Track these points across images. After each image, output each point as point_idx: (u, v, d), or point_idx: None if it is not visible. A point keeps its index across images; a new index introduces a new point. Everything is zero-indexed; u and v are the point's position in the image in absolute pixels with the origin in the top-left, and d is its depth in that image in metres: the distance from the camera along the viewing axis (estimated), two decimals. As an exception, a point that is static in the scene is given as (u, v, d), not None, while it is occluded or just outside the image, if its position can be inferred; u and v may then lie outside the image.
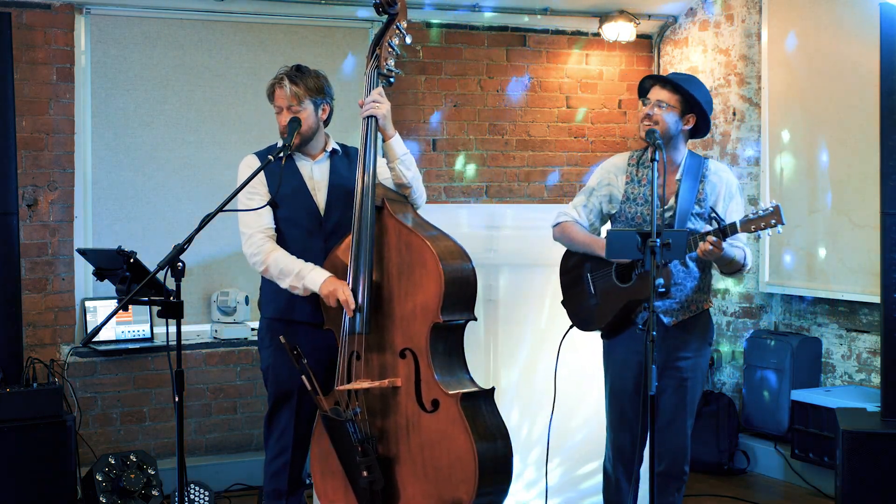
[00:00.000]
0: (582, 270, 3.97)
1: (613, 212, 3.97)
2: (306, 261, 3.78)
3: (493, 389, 3.68)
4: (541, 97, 6.46)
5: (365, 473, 3.60)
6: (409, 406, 3.60)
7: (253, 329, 5.50)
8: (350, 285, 3.64)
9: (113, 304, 5.21)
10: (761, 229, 3.55)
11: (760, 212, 3.55)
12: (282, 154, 3.67)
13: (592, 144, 6.61)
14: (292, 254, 3.79)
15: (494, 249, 4.68)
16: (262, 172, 3.70)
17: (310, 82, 3.84)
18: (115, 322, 5.30)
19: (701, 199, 3.85)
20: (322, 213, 3.86)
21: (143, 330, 5.44)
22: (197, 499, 5.04)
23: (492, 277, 4.65)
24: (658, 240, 3.41)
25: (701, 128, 3.91)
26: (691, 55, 6.41)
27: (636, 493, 3.99)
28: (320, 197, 3.87)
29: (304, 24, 5.84)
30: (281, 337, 3.64)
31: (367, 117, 3.72)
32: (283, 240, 3.83)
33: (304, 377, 3.62)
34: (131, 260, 3.44)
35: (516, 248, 4.67)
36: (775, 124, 5.77)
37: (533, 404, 4.60)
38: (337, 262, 3.75)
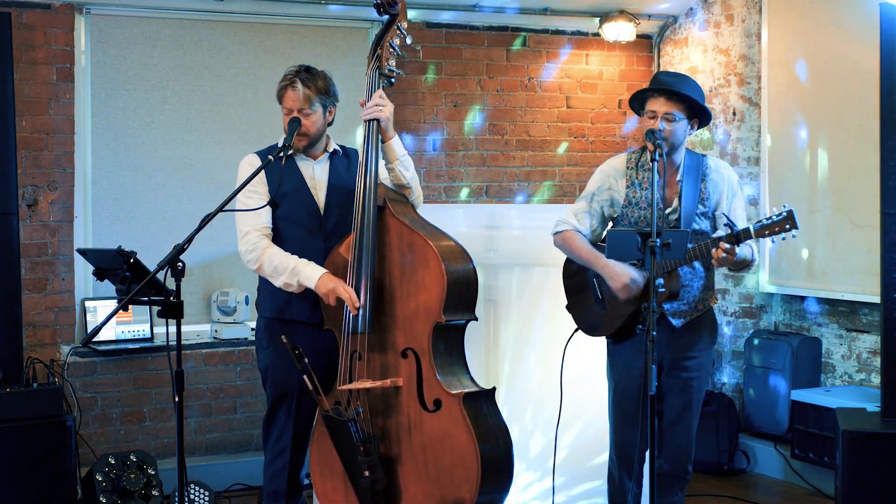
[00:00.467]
0: (587, 276, 3.96)
1: (615, 215, 3.95)
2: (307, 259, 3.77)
3: (494, 389, 3.68)
4: (541, 97, 6.46)
5: (367, 473, 3.59)
6: (411, 406, 3.60)
7: (253, 329, 5.51)
8: (352, 285, 3.64)
9: (113, 304, 5.21)
10: (776, 234, 3.53)
11: (774, 217, 3.53)
12: (282, 154, 3.66)
13: (592, 144, 6.61)
14: (292, 252, 3.78)
15: (494, 249, 4.68)
16: (262, 172, 3.70)
17: (319, 84, 3.83)
18: (115, 322, 5.30)
19: (704, 198, 3.84)
20: (322, 212, 3.86)
21: (143, 330, 5.44)
22: (197, 499, 5.04)
23: (492, 277, 4.65)
24: (658, 240, 3.41)
25: (703, 124, 3.90)
26: (691, 55, 6.41)
27: (640, 493, 3.99)
28: (321, 197, 3.87)
29: (304, 24, 5.84)
30: (283, 336, 3.64)
31: (370, 120, 3.72)
32: (282, 239, 3.83)
33: (305, 377, 3.62)
34: (131, 260, 3.44)
35: (516, 248, 4.67)
36: (775, 124, 5.77)
37: (533, 404, 4.60)
38: (338, 259, 3.75)
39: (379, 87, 3.76)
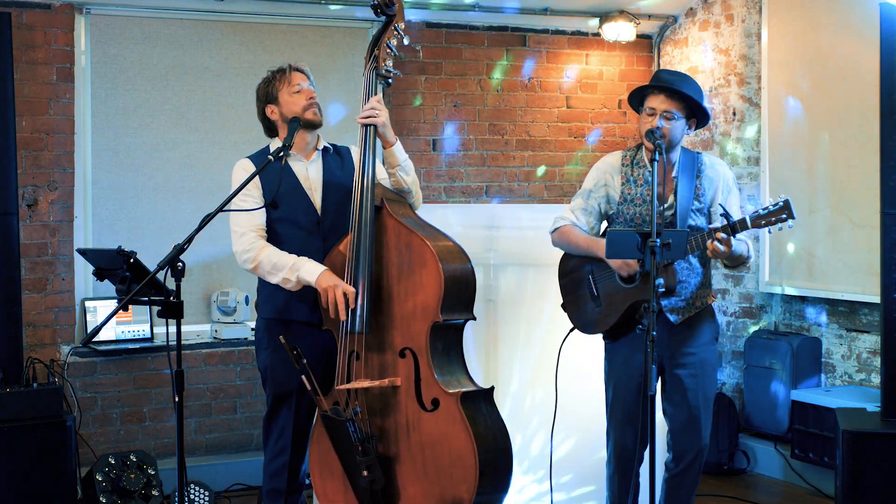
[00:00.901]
0: (582, 273, 3.96)
1: (611, 212, 3.95)
2: (304, 260, 3.78)
3: (492, 388, 3.68)
4: (541, 97, 6.46)
5: (365, 473, 3.60)
6: (409, 405, 3.60)
7: (253, 329, 5.50)
8: (350, 285, 3.64)
9: (113, 304, 5.21)
10: (772, 224, 3.52)
11: (770, 207, 3.53)
12: (282, 154, 3.66)
13: (592, 145, 6.61)
14: (290, 253, 3.79)
15: (494, 249, 4.68)
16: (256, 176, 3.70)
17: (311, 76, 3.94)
18: (115, 322, 5.30)
19: (699, 194, 3.84)
20: (319, 212, 3.86)
21: (143, 330, 5.44)
22: (197, 499, 5.04)
23: (492, 277, 4.65)
24: (658, 240, 3.41)
25: (701, 124, 3.90)
26: (691, 55, 6.41)
27: (637, 493, 3.99)
28: (316, 196, 3.88)
29: (304, 24, 5.84)
30: (281, 337, 3.64)
31: (366, 125, 3.73)
32: (281, 240, 3.83)
33: (303, 377, 3.62)
34: (131, 260, 3.44)
35: (516, 248, 4.67)
36: (775, 124, 5.77)
37: (533, 404, 4.60)
38: (336, 258, 3.75)
39: (376, 88, 3.77)
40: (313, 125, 3.86)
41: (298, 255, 3.78)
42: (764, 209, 3.54)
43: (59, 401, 4.72)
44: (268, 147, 3.95)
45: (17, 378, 4.68)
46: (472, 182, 6.28)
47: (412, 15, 5.99)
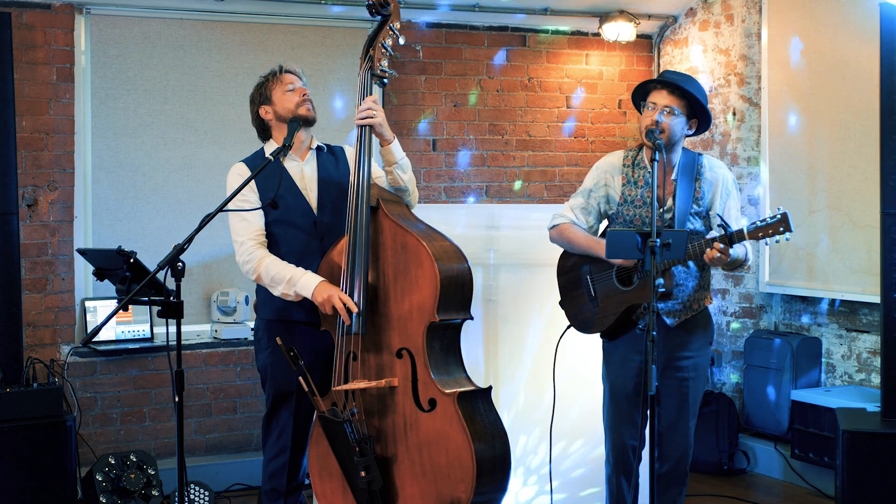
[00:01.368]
0: (581, 272, 3.96)
1: (611, 212, 3.95)
2: (304, 260, 3.78)
3: (490, 388, 3.68)
4: (541, 97, 6.46)
5: (363, 474, 3.60)
6: (407, 406, 3.60)
7: (253, 329, 5.51)
8: (346, 286, 3.64)
9: (113, 304, 5.22)
10: (769, 236, 3.54)
11: (768, 219, 3.54)
12: (282, 154, 3.66)
13: (592, 144, 6.61)
14: (289, 254, 3.80)
15: (494, 249, 4.68)
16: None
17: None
18: (115, 322, 5.31)
19: (698, 197, 3.84)
20: (315, 211, 3.86)
21: (143, 330, 5.44)
22: (197, 499, 5.04)
23: (492, 277, 4.65)
24: (658, 240, 3.41)
25: (702, 128, 3.90)
26: (691, 55, 6.41)
27: (636, 494, 3.99)
28: (312, 196, 3.88)
29: (304, 24, 5.84)
30: (278, 338, 3.64)
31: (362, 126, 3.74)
32: (279, 241, 3.83)
33: (300, 378, 3.62)
34: (131, 260, 3.44)
35: (516, 248, 4.67)
36: (775, 124, 5.77)
37: (533, 404, 4.60)
38: (333, 263, 3.75)
39: (371, 89, 3.77)
40: (308, 121, 3.87)
41: (298, 256, 3.78)
42: (762, 221, 3.55)
43: (59, 401, 4.72)
44: (262, 150, 3.95)
45: (17, 378, 4.69)
46: (472, 182, 6.29)
47: (412, 15, 6.00)
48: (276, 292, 3.77)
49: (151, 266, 3.43)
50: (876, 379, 5.21)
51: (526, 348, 4.68)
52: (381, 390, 3.65)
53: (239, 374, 5.61)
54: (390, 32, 3.78)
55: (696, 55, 6.37)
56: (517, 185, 6.38)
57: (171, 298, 3.37)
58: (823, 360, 5.56)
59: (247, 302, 5.56)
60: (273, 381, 3.90)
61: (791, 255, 5.63)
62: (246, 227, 3.80)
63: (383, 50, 3.76)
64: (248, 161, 3.91)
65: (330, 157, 3.97)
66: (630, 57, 6.66)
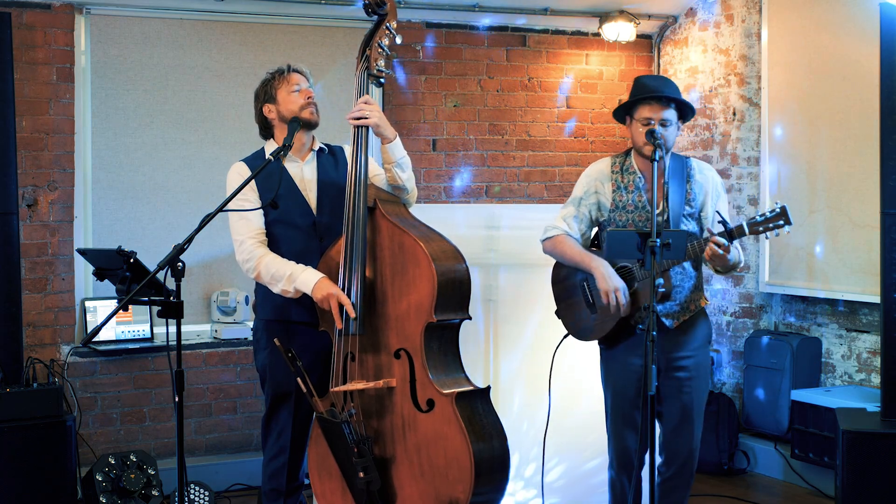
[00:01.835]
0: (576, 280, 3.95)
1: (602, 219, 3.95)
2: (303, 260, 3.78)
3: (488, 388, 3.67)
4: (541, 97, 6.46)
5: (361, 474, 3.59)
6: (405, 406, 3.60)
7: (253, 329, 5.51)
8: (343, 286, 3.64)
9: (113, 304, 5.22)
10: (769, 230, 3.55)
11: (768, 213, 3.55)
12: (281, 154, 3.66)
13: (592, 145, 6.61)
14: (288, 254, 3.79)
15: (494, 249, 4.69)
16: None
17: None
18: (115, 322, 5.31)
19: (690, 199, 3.86)
20: (315, 212, 3.86)
21: (143, 330, 5.44)
22: (197, 499, 5.04)
23: (492, 277, 4.65)
24: (658, 240, 3.41)
25: (688, 119, 3.94)
26: (691, 55, 6.41)
27: (639, 496, 3.99)
28: (312, 196, 3.88)
29: (304, 24, 5.84)
30: (276, 339, 3.64)
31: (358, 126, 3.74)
32: (278, 241, 3.83)
33: (299, 379, 3.62)
34: (131, 260, 3.44)
35: (516, 248, 4.67)
36: (775, 124, 5.77)
37: (532, 404, 4.60)
38: (331, 263, 3.75)
39: (368, 89, 3.76)
40: (310, 125, 3.87)
41: (297, 256, 3.78)
42: (761, 215, 3.56)
43: (59, 401, 4.72)
44: (262, 150, 3.95)
45: (17, 378, 4.69)
46: (472, 182, 6.29)
47: (412, 15, 6.00)
48: (276, 289, 3.76)
49: (151, 266, 3.43)
50: (876, 379, 5.21)
51: (525, 348, 4.68)
52: (380, 391, 3.65)
53: (239, 375, 5.61)
54: (387, 32, 3.77)
55: (696, 55, 6.37)
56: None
57: (171, 298, 3.37)
58: (823, 360, 5.56)
59: (247, 302, 5.56)
60: (272, 381, 3.90)
61: (791, 255, 5.63)
62: (246, 225, 3.81)
63: (380, 50, 3.75)
64: (248, 160, 3.91)
65: (330, 158, 3.97)
66: (630, 57, 6.66)
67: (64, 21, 5.29)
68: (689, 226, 3.84)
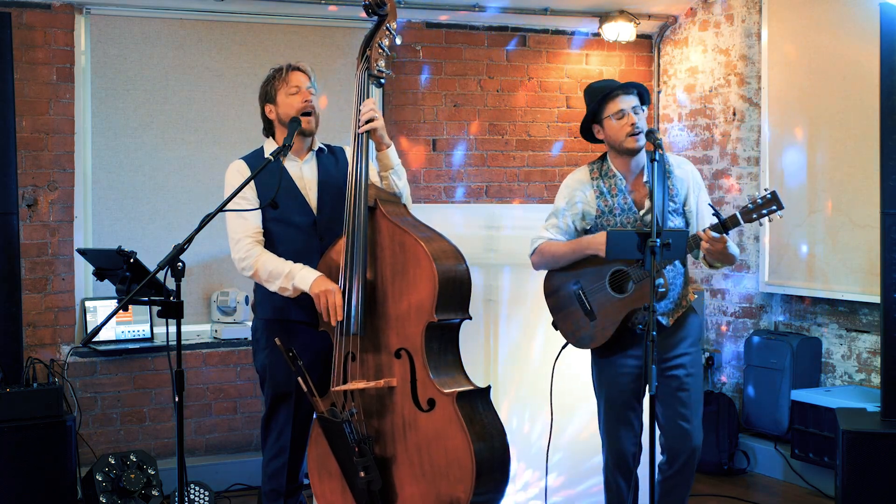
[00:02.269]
0: (569, 290, 3.92)
1: (588, 227, 3.93)
2: (303, 260, 3.77)
3: (489, 388, 3.67)
4: (541, 97, 6.46)
5: (362, 474, 3.60)
6: (406, 406, 3.60)
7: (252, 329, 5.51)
8: (344, 286, 3.64)
9: (113, 304, 5.22)
10: (763, 216, 3.55)
11: (759, 199, 3.56)
12: (281, 154, 3.66)
13: (592, 145, 6.59)
14: (288, 253, 3.79)
15: (494, 249, 4.68)
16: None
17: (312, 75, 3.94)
18: (115, 322, 5.31)
19: (673, 195, 3.86)
20: (315, 211, 3.86)
21: (143, 330, 5.44)
22: (197, 499, 5.04)
23: (492, 277, 4.65)
24: (658, 240, 3.41)
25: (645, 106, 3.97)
26: (691, 55, 6.41)
27: (636, 496, 3.99)
28: (312, 196, 3.88)
29: (304, 24, 5.84)
30: (276, 339, 3.64)
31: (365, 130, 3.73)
32: (278, 241, 3.83)
33: (299, 379, 3.61)
34: (131, 260, 3.44)
35: (516, 248, 4.67)
36: (775, 124, 5.77)
37: (533, 404, 4.60)
38: (332, 263, 3.75)
39: (369, 89, 3.76)
40: (304, 133, 3.86)
41: (296, 256, 3.78)
42: (752, 203, 3.56)
43: (59, 401, 4.72)
44: (261, 149, 3.95)
45: (17, 378, 4.69)
46: (472, 182, 6.28)
47: (412, 15, 5.99)
48: (274, 287, 3.76)
49: (151, 266, 3.43)
50: (876, 379, 5.21)
51: (525, 348, 4.68)
52: (380, 391, 3.65)
53: (239, 374, 5.61)
54: (387, 33, 3.77)
55: (696, 55, 6.37)
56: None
57: (171, 298, 3.37)
58: (823, 360, 5.56)
59: (246, 302, 5.56)
60: (272, 381, 3.90)
61: (791, 255, 5.63)
62: (243, 224, 3.80)
63: (380, 50, 3.76)
64: (247, 159, 3.91)
65: (330, 158, 3.97)
66: (630, 57, 6.66)
67: (64, 21, 5.29)
68: (676, 221, 3.84)
